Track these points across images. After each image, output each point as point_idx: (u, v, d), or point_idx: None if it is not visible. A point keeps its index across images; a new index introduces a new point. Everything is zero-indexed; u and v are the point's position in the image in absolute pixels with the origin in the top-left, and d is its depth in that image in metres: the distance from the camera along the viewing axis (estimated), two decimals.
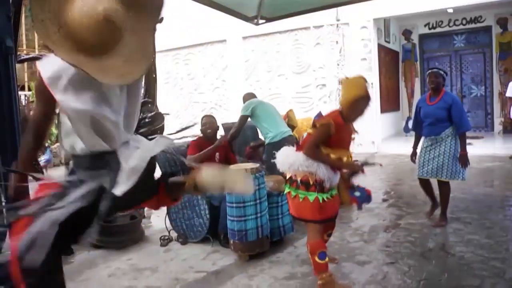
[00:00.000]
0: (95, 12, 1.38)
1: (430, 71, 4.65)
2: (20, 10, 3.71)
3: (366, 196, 3.35)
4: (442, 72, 4.58)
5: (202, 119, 4.71)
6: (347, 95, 3.11)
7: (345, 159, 3.14)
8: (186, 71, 12.98)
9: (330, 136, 3.07)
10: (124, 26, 1.49)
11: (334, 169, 3.15)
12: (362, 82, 3.13)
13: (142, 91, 1.92)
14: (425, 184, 4.81)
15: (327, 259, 3.12)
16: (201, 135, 4.60)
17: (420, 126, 4.74)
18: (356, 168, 3.20)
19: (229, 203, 3.79)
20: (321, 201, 3.09)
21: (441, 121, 4.45)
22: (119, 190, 1.66)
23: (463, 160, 4.42)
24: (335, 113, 3.20)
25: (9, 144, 3.07)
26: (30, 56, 4.72)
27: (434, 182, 4.75)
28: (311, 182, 3.10)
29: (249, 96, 5.60)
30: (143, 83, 1.86)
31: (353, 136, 3.37)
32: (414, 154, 4.86)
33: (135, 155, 1.76)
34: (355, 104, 3.08)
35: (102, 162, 1.75)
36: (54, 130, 11.83)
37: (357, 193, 3.33)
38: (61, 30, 1.39)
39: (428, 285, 3.13)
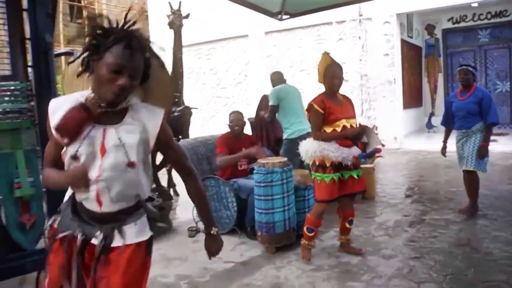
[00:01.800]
0: None
1: (459, 68, 4.72)
2: (56, 6, 3.84)
3: (368, 154, 3.82)
4: (471, 69, 4.64)
5: (230, 115, 4.75)
6: (319, 71, 3.56)
7: (348, 125, 3.46)
8: (209, 66, 13.08)
9: (323, 114, 3.44)
10: None
11: (347, 145, 3.42)
12: (325, 56, 3.58)
13: None
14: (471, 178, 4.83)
15: (313, 233, 3.62)
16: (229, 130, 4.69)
17: (451, 120, 4.85)
18: (356, 132, 3.41)
19: (257, 196, 3.88)
20: (336, 181, 3.43)
21: (472, 115, 4.55)
22: None
23: (483, 151, 4.51)
24: (317, 95, 3.61)
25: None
26: (63, 51, 4.88)
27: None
28: (327, 164, 3.42)
29: (276, 76, 5.65)
30: None
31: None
32: (444, 147, 4.99)
33: None
34: (327, 73, 3.51)
35: None
36: None
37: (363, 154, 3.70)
38: None
39: (455, 279, 3.17)
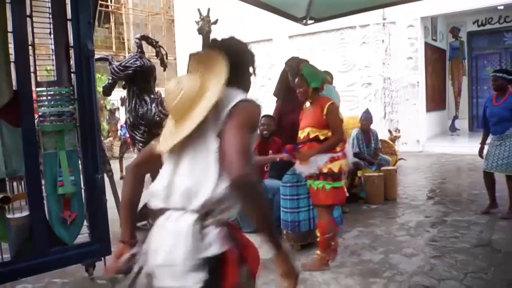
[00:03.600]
0: None
1: (492, 74, 4.81)
2: (95, 16, 4.09)
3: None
4: (500, 74, 4.72)
5: (261, 118, 4.90)
6: None
7: (302, 136, 3.58)
8: None
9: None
10: None
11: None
12: None
13: None
14: (488, 179, 4.91)
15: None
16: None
17: (487, 123, 4.91)
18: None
19: (283, 196, 4.05)
20: (315, 189, 3.48)
21: (505, 121, 4.63)
22: None
23: None
24: None
25: (89, 139, 3.43)
26: (98, 56, 5.12)
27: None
28: None
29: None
30: None
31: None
32: (481, 149, 5.03)
33: None
34: None
35: None
36: (105, 125, 12.42)
37: None
38: None
39: (475, 278, 3.27)
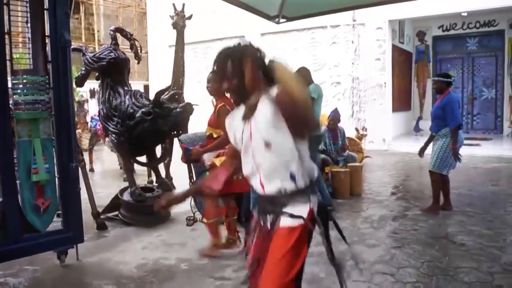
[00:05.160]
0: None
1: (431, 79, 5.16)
2: (71, 7, 4.11)
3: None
4: (437, 78, 5.12)
5: None
6: None
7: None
8: (204, 65, 13.34)
9: None
10: None
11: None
12: None
13: None
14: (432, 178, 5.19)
15: None
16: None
17: None
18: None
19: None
20: None
21: (437, 119, 4.98)
22: None
23: (453, 153, 4.87)
24: None
25: (64, 128, 3.48)
26: (72, 47, 5.10)
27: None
28: None
29: (307, 73, 5.71)
30: None
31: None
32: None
33: None
34: None
35: None
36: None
37: None
38: None
39: (430, 266, 3.51)
